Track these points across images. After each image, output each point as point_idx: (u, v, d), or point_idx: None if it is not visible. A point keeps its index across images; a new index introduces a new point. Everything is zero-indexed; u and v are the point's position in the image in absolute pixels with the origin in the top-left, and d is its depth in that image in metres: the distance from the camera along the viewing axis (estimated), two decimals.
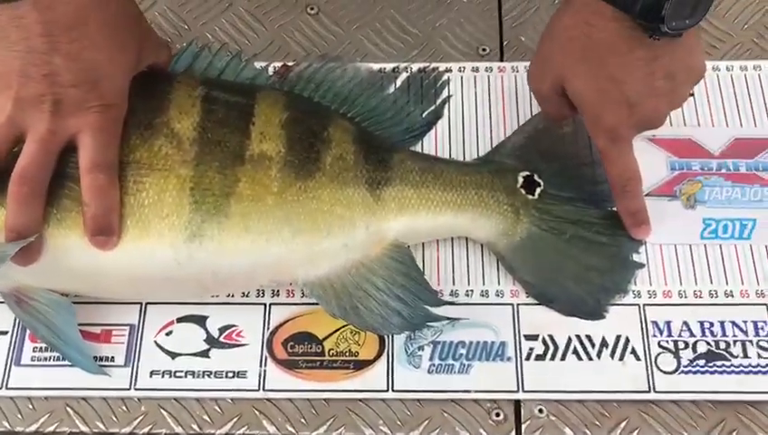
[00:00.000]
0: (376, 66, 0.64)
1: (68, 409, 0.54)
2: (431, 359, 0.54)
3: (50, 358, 0.54)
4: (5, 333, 0.55)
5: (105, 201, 0.49)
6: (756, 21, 0.67)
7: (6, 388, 0.54)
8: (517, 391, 0.53)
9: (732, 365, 0.54)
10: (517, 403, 0.54)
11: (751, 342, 0.54)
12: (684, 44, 0.52)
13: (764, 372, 0.53)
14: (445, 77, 0.63)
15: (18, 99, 0.48)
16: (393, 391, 0.53)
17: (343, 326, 0.55)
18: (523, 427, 0.53)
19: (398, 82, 0.62)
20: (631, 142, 0.55)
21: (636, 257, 0.57)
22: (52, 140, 0.48)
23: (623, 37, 0.51)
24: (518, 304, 0.56)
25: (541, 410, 0.53)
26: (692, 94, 0.63)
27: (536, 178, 0.58)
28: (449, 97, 0.63)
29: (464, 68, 0.65)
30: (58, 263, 0.51)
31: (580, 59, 0.53)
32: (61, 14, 0.47)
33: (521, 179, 0.57)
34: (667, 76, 0.52)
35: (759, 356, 0.54)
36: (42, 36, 0.47)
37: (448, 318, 0.54)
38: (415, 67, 0.64)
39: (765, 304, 0.56)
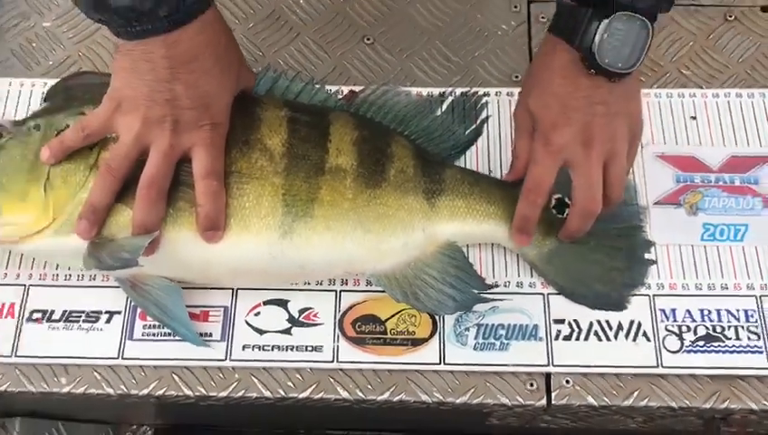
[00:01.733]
0: (425, 91, 0.74)
1: (174, 376, 0.64)
2: (476, 338, 0.65)
3: (157, 334, 0.65)
4: (119, 312, 0.66)
5: (215, 203, 0.60)
6: (749, 55, 0.77)
7: (122, 358, 0.64)
8: (548, 366, 0.64)
9: (726, 346, 0.64)
10: (548, 376, 0.64)
11: (742, 327, 0.65)
12: (623, 88, 0.60)
13: (753, 352, 0.64)
14: (483, 100, 0.73)
15: (145, 119, 0.58)
16: (444, 364, 0.64)
17: (402, 310, 0.65)
18: (553, 395, 0.64)
19: (445, 105, 0.71)
20: (559, 159, 0.61)
21: (648, 256, 0.67)
22: (171, 153, 0.59)
23: (572, 66, 0.60)
24: (548, 294, 0.66)
25: (567, 381, 0.64)
26: (694, 118, 0.74)
27: (567, 200, 0.66)
28: (487, 118, 0.72)
29: (499, 92, 0.75)
30: (173, 254, 0.61)
31: (537, 81, 0.63)
32: (182, 50, 0.57)
33: (553, 201, 0.67)
34: (603, 104, 0.60)
35: (749, 338, 0.64)
36: (166, 68, 0.57)
37: (493, 299, 0.65)
38: (458, 92, 0.73)
39: (755, 296, 0.66)
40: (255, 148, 0.63)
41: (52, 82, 0.73)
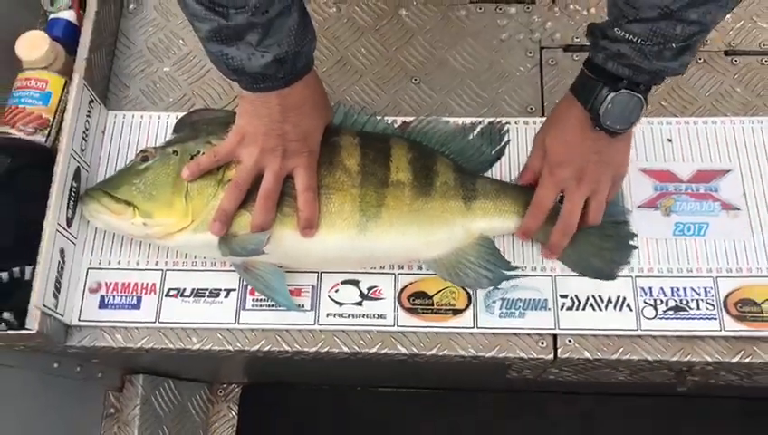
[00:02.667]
0: (460, 120, 0.95)
1: (276, 337, 0.86)
2: (500, 308, 0.85)
3: (263, 305, 0.86)
4: (234, 290, 0.87)
5: (312, 209, 0.81)
6: (714, 90, 0.96)
7: (238, 323, 0.85)
8: (554, 329, 0.85)
9: (689, 314, 0.85)
10: (554, 336, 0.85)
11: (702, 300, 0.85)
12: (618, 144, 0.81)
13: (709, 319, 0.84)
14: (505, 128, 0.92)
15: (262, 149, 0.80)
16: (477, 327, 0.85)
17: (445, 287, 0.86)
18: (558, 351, 0.85)
19: (476, 131, 0.91)
20: (558, 187, 0.82)
21: (632, 242, 0.88)
22: (280, 173, 0.81)
23: (583, 122, 0.79)
24: (555, 276, 0.87)
25: (569, 341, 0.85)
26: (669, 140, 0.95)
27: None
28: (509, 141, 0.92)
29: (518, 121, 0.95)
30: (280, 246, 0.82)
31: (556, 128, 0.83)
32: (291, 100, 0.78)
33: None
34: (598, 153, 0.81)
35: (706, 309, 0.85)
36: (279, 113, 0.78)
37: (515, 277, 0.86)
38: (486, 121, 0.93)
39: (712, 277, 0.86)
40: (338, 167, 0.84)
41: (173, 114, 0.94)
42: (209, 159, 0.82)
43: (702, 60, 0.99)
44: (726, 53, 0.99)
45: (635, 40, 0.73)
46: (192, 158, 0.84)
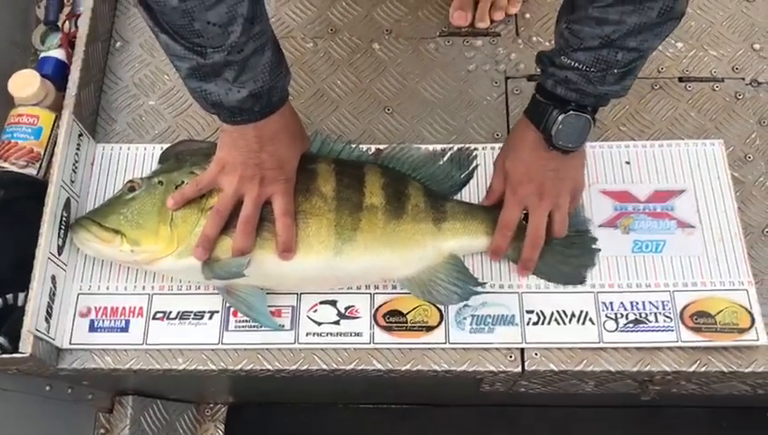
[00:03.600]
0: (431, 147, 1.00)
1: (258, 356, 0.90)
2: (471, 324, 0.90)
3: (245, 326, 0.90)
4: (218, 311, 0.91)
5: (289, 233, 0.86)
6: (669, 115, 1.02)
7: (222, 343, 0.90)
8: (522, 343, 0.89)
9: (648, 326, 0.90)
10: (522, 350, 0.90)
11: (659, 313, 0.90)
12: (570, 160, 0.87)
13: (666, 330, 0.89)
14: (474, 153, 0.98)
15: (242, 177, 0.85)
16: (449, 343, 0.89)
17: (418, 305, 0.91)
18: (526, 363, 0.89)
19: (446, 157, 0.97)
20: (521, 205, 0.88)
21: (594, 247, 0.93)
22: (259, 200, 0.86)
23: (536, 143, 0.86)
24: (522, 292, 0.92)
25: (536, 354, 0.90)
26: (628, 162, 1.00)
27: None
28: (477, 166, 0.98)
29: (486, 147, 0.99)
30: (259, 269, 0.87)
31: (513, 150, 0.90)
32: (267, 131, 0.83)
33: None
34: (555, 170, 0.87)
35: (664, 321, 0.90)
36: (256, 143, 0.83)
37: (484, 293, 0.90)
38: (455, 147, 0.98)
39: (669, 291, 0.91)
40: (314, 193, 0.89)
41: (158, 146, 0.99)
42: (192, 188, 0.87)
43: (658, 86, 1.05)
44: (681, 80, 1.06)
45: (580, 67, 0.79)
46: (176, 187, 0.89)
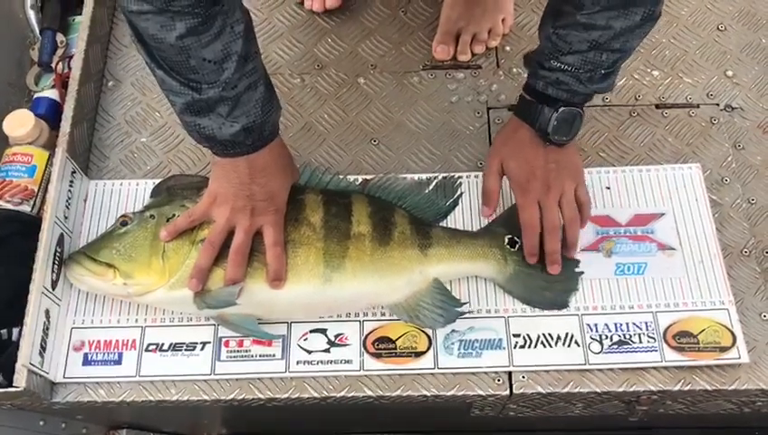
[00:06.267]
0: (416, 176, 1.02)
1: (249, 385, 0.91)
2: (459, 349, 0.92)
3: (237, 356, 0.92)
4: (209, 342, 0.92)
5: (280, 262, 0.88)
6: (647, 141, 1.05)
7: (214, 374, 0.91)
8: (509, 366, 0.91)
9: (632, 347, 0.91)
10: (509, 373, 0.91)
11: (643, 334, 0.92)
12: (566, 150, 0.92)
13: (650, 351, 0.91)
14: (458, 181, 1.01)
15: (233, 208, 0.87)
16: (438, 368, 0.91)
17: (407, 332, 0.92)
18: (513, 386, 0.91)
19: (431, 186, 1.00)
20: (536, 202, 0.91)
21: (577, 270, 0.95)
22: (250, 231, 0.88)
23: (533, 141, 0.91)
24: (508, 317, 0.94)
25: (523, 377, 0.91)
26: (608, 187, 1.03)
27: (515, 238, 0.95)
28: (462, 194, 1.00)
29: (470, 175, 1.02)
30: (251, 298, 0.89)
31: (511, 149, 0.94)
32: (258, 164, 0.86)
33: (506, 239, 0.95)
34: (555, 162, 0.91)
35: (648, 342, 0.91)
36: (247, 175, 0.86)
37: (470, 317, 0.92)
38: (440, 176, 1.01)
39: (652, 312, 0.93)
40: (303, 223, 0.92)
41: (151, 181, 1.01)
42: (185, 220, 0.89)
43: (636, 114, 1.08)
44: (657, 107, 1.09)
45: (570, 69, 0.85)
46: (168, 220, 0.91)
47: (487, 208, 0.98)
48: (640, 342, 0.92)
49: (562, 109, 0.88)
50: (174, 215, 0.92)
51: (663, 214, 1.00)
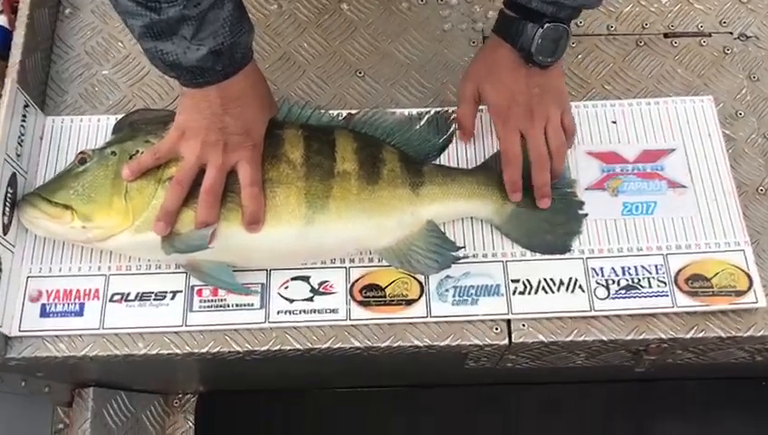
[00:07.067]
0: (406, 111, 0.94)
1: (225, 337, 0.83)
2: (453, 296, 0.84)
3: (212, 306, 0.84)
4: (181, 291, 0.84)
5: (257, 203, 0.80)
6: (656, 72, 0.98)
7: (186, 325, 0.83)
8: (508, 314, 0.84)
9: (641, 292, 0.85)
10: (508, 321, 0.84)
11: (653, 278, 0.85)
12: (550, 73, 0.84)
13: (661, 296, 0.84)
14: (452, 117, 0.91)
15: (204, 143, 0.78)
16: (431, 317, 0.84)
17: (397, 278, 0.85)
18: (513, 335, 0.84)
19: (423, 121, 0.91)
20: (517, 131, 0.84)
21: (581, 212, 0.88)
22: (223, 168, 0.79)
23: (514, 62, 0.83)
24: (507, 261, 0.86)
25: (523, 325, 0.84)
26: (614, 122, 0.95)
27: None
28: (456, 130, 0.92)
29: None
30: (225, 243, 0.80)
31: (489, 73, 0.86)
32: (232, 92, 0.77)
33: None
34: (539, 87, 0.84)
35: (657, 286, 0.85)
36: (220, 106, 0.77)
37: (465, 260, 0.85)
38: (432, 111, 0.92)
39: (662, 255, 0.86)
40: (282, 160, 0.83)
41: (113, 117, 0.92)
42: (150, 156, 0.80)
43: (643, 43, 1.00)
44: (666, 36, 1.01)
45: None
46: (131, 157, 0.82)
47: (463, 136, 0.91)
48: (650, 286, 0.85)
49: (548, 25, 0.80)
50: (138, 151, 0.83)
51: (673, 149, 0.92)
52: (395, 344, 0.84)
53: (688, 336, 0.84)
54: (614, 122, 0.94)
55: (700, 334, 0.84)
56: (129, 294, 0.84)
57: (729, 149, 0.93)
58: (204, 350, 0.83)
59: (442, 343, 0.84)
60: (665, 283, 0.85)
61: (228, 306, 0.84)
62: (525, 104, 0.84)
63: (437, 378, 1.04)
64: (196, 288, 0.85)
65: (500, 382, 1.04)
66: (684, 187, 0.90)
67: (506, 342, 0.84)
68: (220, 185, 0.79)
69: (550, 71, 0.84)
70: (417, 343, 0.84)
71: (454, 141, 0.93)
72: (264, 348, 0.83)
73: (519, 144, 0.85)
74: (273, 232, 0.81)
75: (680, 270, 0.86)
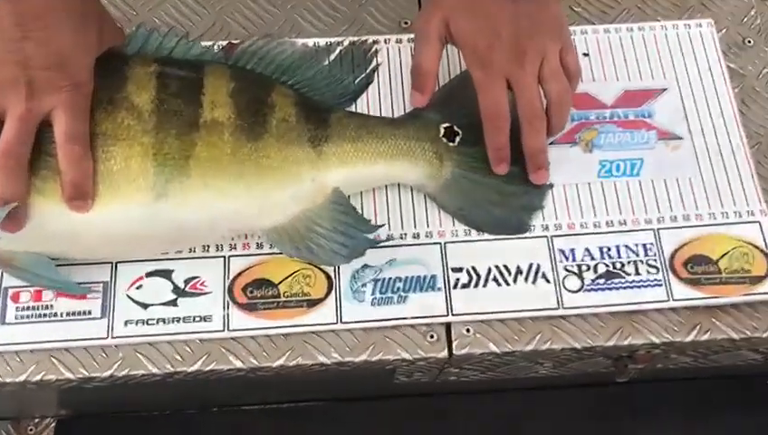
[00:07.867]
0: (311, 42, 0.71)
1: (52, 359, 0.60)
2: (373, 293, 0.62)
3: (32, 315, 0.60)
4: None
5: (80, 169, 0.55)
6: None
7: None
8: (447, 315, 0.62)
9: (626, 281, 0.63)
10: (448, 325, 0.62)
11: (641, 261, 0.64)
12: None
13: (652, 285, 0.63)
14: (373, 48, 0.70)
15: None
16: (341, 323, 0.61)
17: (296, 271, 0.62)
18: (454, 344, 0.62)
19: (332, 56, 0.68)
20: (503, 78, 0.62)
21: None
22: (29, 118, 0.54)
23: None
24: (445, 242, 0.64)
25: (468, 330, 0.62)
26: (586, 54, 0.73)
27: (455, 128, 0.65)
28: (378, 65, 0.70)
29: (389, 39, 0.72)
30: (40, 227, 0.56)
31: (464, 3, 0.63)
32: (30, 5, 0.52)
33: (442, 130, 0.65)
34: (528, 17, 0.62)
35: (648, 272, 0.63)
36: (15, 26, 0.52)
37: (386, 240, 0.63)
38: (346, 41, 0.70)
39: (653, 229, 0.65)
40: (121, 107, 0.58)
41: None
42: None
43: None
44: None
45: None
46: None
47: (420, 96, 0.64)
48: (637, 273, 0.63)
49: None
50: None
51: (664, 89, 0.71)
52: (291, 363, 0.60)
53: (688, 339, 0.62)
54: (586, 54, 0.72)
55: (704, 337, 0.62)
56: None
57: (736, 88, 0.71)
58: (20, 379, 0.59)
59: (357, 359, 0.61)
60: (657, 268, 0.63)
61: (56, 315, 0.60)
62: (512, 41, 0.61)
63: (360, 393, 0.82)
64: (11, 291, 0.61)
65: (445, 391, 0.82)
66: (679, 138, 0.69)
67: (445, 353, 0.61)
68: (24, 143, 0.54)
69: None
70: (322, 359, 0.61)
71: (375, 82, 0.69)
72: (107, 374, 0.59)
73: (505, 96, 0.62)
74: (107, 210, 0.57)
75: (677, 250, 0.64)
